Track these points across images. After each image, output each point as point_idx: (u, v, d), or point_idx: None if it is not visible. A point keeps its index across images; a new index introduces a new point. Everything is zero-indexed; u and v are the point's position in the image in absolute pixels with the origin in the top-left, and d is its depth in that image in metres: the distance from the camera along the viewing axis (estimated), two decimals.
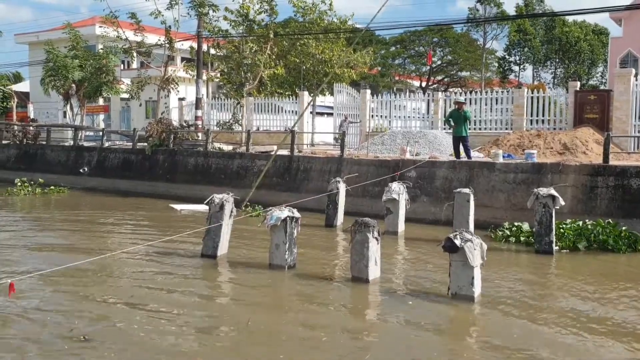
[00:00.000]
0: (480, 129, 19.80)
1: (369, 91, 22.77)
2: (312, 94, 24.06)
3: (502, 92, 20.75)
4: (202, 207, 12.82)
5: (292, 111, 25.51)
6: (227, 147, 20.84)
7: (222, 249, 10.41)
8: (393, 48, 48.67)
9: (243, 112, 24.80)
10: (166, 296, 8.20)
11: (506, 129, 19.32)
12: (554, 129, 18.42)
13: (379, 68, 46.97)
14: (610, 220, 12.01)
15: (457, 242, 7.85)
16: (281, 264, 9.49)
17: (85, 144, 25.82)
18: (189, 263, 10.13)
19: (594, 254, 11.17)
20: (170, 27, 23.85)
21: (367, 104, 22.15)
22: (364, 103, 22.23)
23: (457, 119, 15.43)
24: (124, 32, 24.70)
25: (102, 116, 34.60)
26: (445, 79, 50.92)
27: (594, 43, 49.74)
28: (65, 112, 31.26)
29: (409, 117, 22.35)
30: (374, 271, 8.91)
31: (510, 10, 50.86)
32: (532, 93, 19.41)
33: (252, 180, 16.38)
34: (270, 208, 10.01)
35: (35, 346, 6.32)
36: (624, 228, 11.72)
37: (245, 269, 9.76)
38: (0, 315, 7.21)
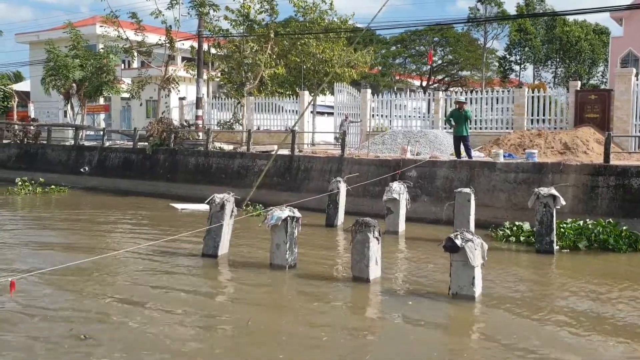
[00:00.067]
0: (481, 128, 19.79)
1: (369, 91, 22.76)
2: (312, 94, 24.05)
3: (503, 91, 20.73)
4: (203, 207, 12.82)
5: (293, 111, 25.50)
6: (227, 147, 20.84)
7: (223, 248, 10.42)
8: (394, 47, 48.63)
9: (244, 112, 24.81)
10: (166, 296, 8.20)
11: (507, 128, 19.32)
12: (555, 128, 18.41)
13: (380, 67, 46.94)
14: (610, 219, 12.00)
15: (458, 241, 7.85)
16: (282, 263, 9.49)
17: (86, 143, 25.82)
18: (190, 263, 10.13)
19: (595, 254, 11.17)
20: (170, 26, 23.87)
21: (368, 104, 22.15)
22: (364, 102, 22.22)
23: (458, 118, 15.43)
24: (124, 31, 24.72)
25: (102, 116, 34.58)
26: (446, 79, 50.90)
27: (595, 42, 49.71)
28: (65, 112, 31.25)
29: (409, 116, 22.35)
30: (374, 271, 8.91)
31: (511, 10, 50.87)
32: (533, 93, 19.39)
33: (253, 179, 16.37)
34: (271, 208, 10.00)
35: (34, 345, 6.33)
36: (624, 228, 11.71)
37: (245, 268, 9.76)
38: (1, 315, 7.22)
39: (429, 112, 21.57)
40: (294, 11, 26.96)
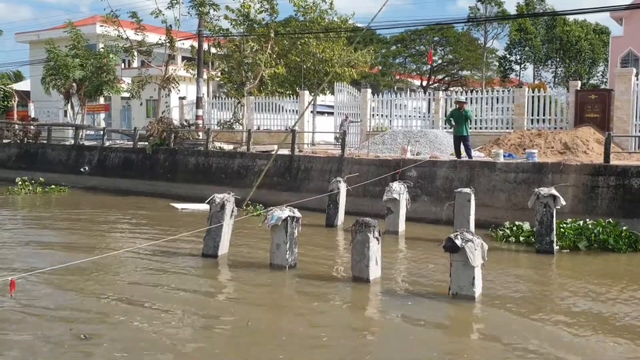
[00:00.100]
0: (481, 128, 19.79)
1: (369, 90, 22.76)
2: (312, 93, 24.05)
3: (503, 91, 20.74)
4: (203, 206, 12.82)
5: (293, 110, 25.50)
6: (227, 147, 20.84)
7: (223, 248, 10.42)
8: (394, 47, 48.61)
9: (244, 112, 24.80)
10: (166, 295, 8.20)
11: (507, 128, 19.31)
12: (555, 128, 18.40)
13: (380, 67, 46.93)
14: (611, 220, 12.00)
15: (458, 242, 7.85)
16: (282, 263, 9.49)
17: (86, 143, 25.81)
18: (190, 263, 10.14)
19: (595, 254, 11.17)
20: (171, 26, 23.86)
21: (368, 103, 22.14)
22: (364, 102, 22.22)
23: (458, 118, 15.43)
24: (124, 31, 24.71)
25: (102, 115, 34.55)
26: (446, 78, 50.89)
27: (595, 42, 49.69)
28: (66, 111, 31.25)
29: (409, 116, 22.35)
30: (374, 271, 8.91)
31: (511, 10, 50.86)
32: (533, 92, 19.39)
33: (253, 179, 16.37)
34: (271, 208, 10.01)
35: (34, 344, 6.33)
36: (624, 228, 11.71)
37: (246, 268, 9.76)
38: (1, 314, 7.22)
39: (429, 112, 21.56)
40: (294, 11, 26.96)
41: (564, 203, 11.24)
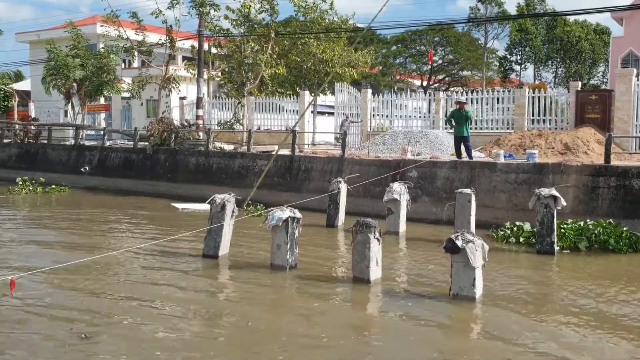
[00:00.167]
0: (481, 128, 19.79)
1: (370, 90, 22.75)
2: (313, 94, 24.05)
3: (504, 91, 20.73)
4: (204, 207, 12.82)
5: (293, 110, 25.50)
6: (228, 147, 20.84)
7: (224, 249, 10.42)
8: (394, 47, 48.59)
9: (244, 112, 24.80)
10: (167, 295, 8.20)
11: (507, 128, 19.31)
12: (555, 128, 18.40)
13: (380, 67, 46.92)
14: (611, 220, 12.00)
15: (459, 243, 7.85)
16: (282, 264, 9.49)
17: (87, 143, 25.81)
18: (191, 263, 10.14)
19: (595, 255, 11.16)
20: (171, 26, 23.86)
21: (368, 104, 22.13)
22: (365, 102, 22.21)
23: (459, 118, 15.42)
24: (125, 31, 24.70)
25: (103, 115, 34.56)
26: (447, 79, 50.88)
27: (595, 42, 49.68)
28: (66, 111, 31.25)
29: (410, 116, 22.33)
30: (375, 272, 8.91)
31: (512, 10, 50.87)
32: (534, 93, 19.38)
33: (254, 180, 16.37)
34: (272, 208, 10.00)
35: (35, 344, 6.33)
36: (625, 229, 11.70)
37: (246, 269, 9.76)
38: (1, 313, 7.22)
39: (429, 112, 21.56)
40: (295, 11, 26.99)
41: (564, 204, 11.24)
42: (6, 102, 37.23)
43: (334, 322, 7.26)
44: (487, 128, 19.85)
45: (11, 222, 14.71)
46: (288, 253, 9.47)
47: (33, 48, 37.74)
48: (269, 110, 26.21)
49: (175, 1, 23.19)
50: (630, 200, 12.64)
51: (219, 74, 26.98)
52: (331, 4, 25.95)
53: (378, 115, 22.49)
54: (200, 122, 23.51)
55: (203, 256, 10.35)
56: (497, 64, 52.33)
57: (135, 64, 34.04)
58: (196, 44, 23.77)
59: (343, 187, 14.39)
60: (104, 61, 26.67)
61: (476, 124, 19.49)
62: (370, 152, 17.67)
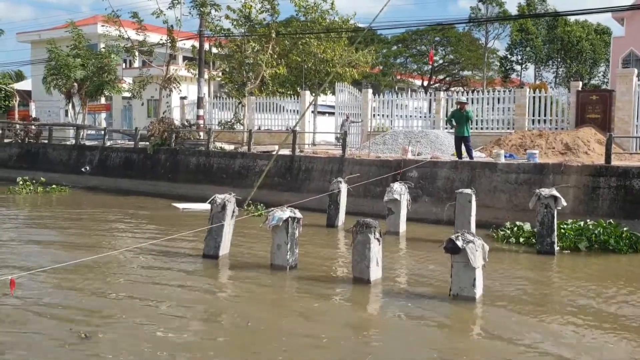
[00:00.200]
0: (482, 128, 19.78)
1: (370, 90, 22.75)
2: (313, 94, 24.06)
3: (504, 91, 20.73)
4: (204, 207, 12.82)
5: (294, 110, 25.50)
6: (228, 147, 20.85)
7: (224, 249, 10.42)
8: (395, 47, 48.57)
9: (245, 112, 24.80)
10: (167, 295, 8.19)
11: (508, 128, 19.30)
12: (556, 128, 18.39)
13: (381, 67, 46.92)
14: (611, 220, 11.99)
15: (459, 243, 7.84)
16: (283, 264, 9.49)
17: (87, 143, 25.82)
18: (191, 263, 10.14)
19: (595, 255, 11.16)
20: (172, 26, 23.86)
21: (369, 104, 22.13)
22: (365, 102, 22.21)
23: (459, 119, 15.42)
24: (125, 31, 24.72)
25: (103, 115, 34.57)
26: (447, 78, 50.86)
27: (596, 43, 49.61)
28: (67, 111, 31.24)
29: (410, 116, 22.33)
30: (375, 272, 8.91)
31: (512, 10, 50.84)
32: (534, 93, 19.38)
33: (254, 180, 16.38)
34: (272, 208, 10.01)
35: (35, 343, 6.33)
36: (625, 229, 11.70)
37: (246, 269, 9.77)
38: (1, 313, 7.23)
39: (430, 112, 21.55)
40: (295, 11, 27.04)
41: (565, 204, 11.23)
42: (7, 102, 37.27)
43: (334, 322, 7.27)
44: (487, 128, 19.84)
45: (11, 221, 14.72)
46: (288, 253, 9.47)
47: (34, 48, 37.76)
48: (270, 110, 26.21)
49: (176, 1, 23.21)
50: (630, 200, 12.63)
51: (220, 74, 27.00)
52: (332, 4, 25.98)
53: (378, 115, 22.49)
54: (201, 122, 23.52)
55: (203, 256, 10.36)
56: (498, 64, 52.27)
57: (136, 63, 34.05)
58: (197, 44, 23.78)
59: (343, 187, 14.39)
60: (105, 61, 26.68)
61: (477, 124, 19.49)
62: (371, 152, 17.67)
